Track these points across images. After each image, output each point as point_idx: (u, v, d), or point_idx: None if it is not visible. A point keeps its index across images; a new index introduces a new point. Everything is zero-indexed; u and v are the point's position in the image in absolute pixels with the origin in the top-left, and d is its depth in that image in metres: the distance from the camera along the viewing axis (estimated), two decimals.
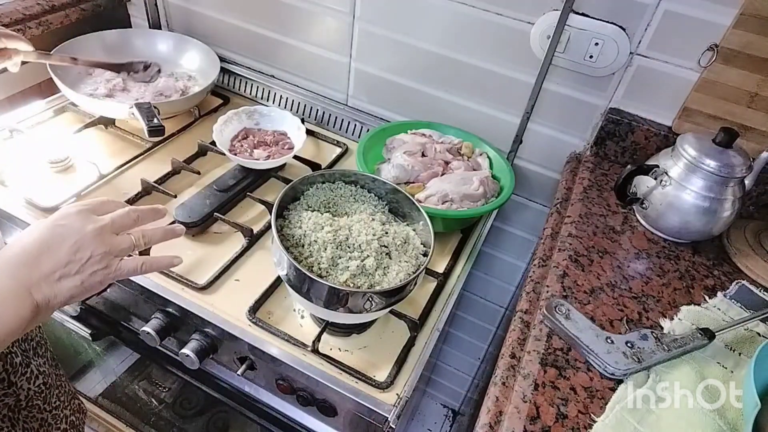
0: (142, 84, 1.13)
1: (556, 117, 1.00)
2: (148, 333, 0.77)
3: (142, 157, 1.02)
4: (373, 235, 0.68)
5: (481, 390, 1.17)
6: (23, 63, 0.90)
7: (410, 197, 0.76)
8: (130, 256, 0.55)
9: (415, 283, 0.68)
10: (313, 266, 0.65)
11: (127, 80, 1.12)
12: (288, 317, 0.78)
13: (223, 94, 1.25)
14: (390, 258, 0.69)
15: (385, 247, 0.69)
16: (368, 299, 0.63)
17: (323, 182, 0.76)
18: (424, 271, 0.67)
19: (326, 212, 0.73)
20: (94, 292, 0.51)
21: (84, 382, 1.30)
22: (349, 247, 0.67)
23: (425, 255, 0.71)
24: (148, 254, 0.72)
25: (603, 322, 0.66)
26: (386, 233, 0.70)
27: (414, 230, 0.74)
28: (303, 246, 0.67)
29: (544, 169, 1.08)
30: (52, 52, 1.01)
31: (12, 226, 0.87)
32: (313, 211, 0.72)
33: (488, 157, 1.02)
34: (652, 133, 0.92)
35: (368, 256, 0.66)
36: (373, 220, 0.72)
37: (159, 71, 1.15)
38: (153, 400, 1.28)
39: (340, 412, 0.74)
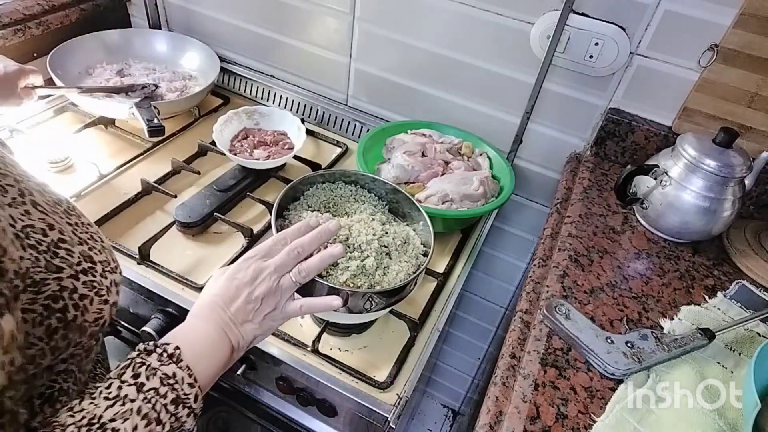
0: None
1: (556, 117, 1.00)
2: (148, 333, 0.77)
3: (142, 157, 1.02)
4: (373, 235, 0.68)
5: (481, 390, 1.17)
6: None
7: (410, 197, 0.76)
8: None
9: (415, 283, 0.68)
10: None
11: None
12: None
13: (223, 94, 1.25)
14: (390, 258, 0.69)
15: (385, 247, 0.69)
16: (368, 299, 0.63)
17: (323, 182, 0.76)
18: (424, 271, 0.67)
19: (326, 212, 0.73)
20: (271, 332, 0.59)
21: None
22: (349, 247, 0.67)
23: (425, 255, 0.71)
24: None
25: (603, 322, 0.66)
26: (386, 233, 0.70)
27: (414, 230, 0.74)
28: None
29: (544, 169, 1.08)
30: (50, 56, 1.02)
31: None
32: (313, 211, 0.72)
33: (488, 157, 1.02)
34: (652, 133, 0.92)
35: (368, 256, 0.66)
36: (373, 220, 0.72)
37: (156, 88, 1.13)
38: None
39: (340, 412, 0.74)
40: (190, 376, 0.48)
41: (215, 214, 0.89)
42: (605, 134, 0.95)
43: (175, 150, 1.05)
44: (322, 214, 0.71)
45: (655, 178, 0.79)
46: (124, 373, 0.46)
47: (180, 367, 0.48)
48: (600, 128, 0.95)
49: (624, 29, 0.86)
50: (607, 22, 0.87)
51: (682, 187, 0.77)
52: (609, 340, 0.61)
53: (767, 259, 0.78)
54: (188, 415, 0.48)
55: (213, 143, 1.01)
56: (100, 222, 0.85)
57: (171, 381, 0.47)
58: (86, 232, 0.48)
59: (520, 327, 0.67)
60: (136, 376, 0.46)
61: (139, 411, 0.44)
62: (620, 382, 0.59)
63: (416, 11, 0.99)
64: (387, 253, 0.69)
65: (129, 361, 0.48)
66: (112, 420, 0.43)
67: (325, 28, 1.10)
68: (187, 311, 0.75)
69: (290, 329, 0.75)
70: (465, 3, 0.94)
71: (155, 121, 0.95)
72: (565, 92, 0.96)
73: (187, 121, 1.12)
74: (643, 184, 0.82)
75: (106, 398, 0.44)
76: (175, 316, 0.78)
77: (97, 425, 0.42)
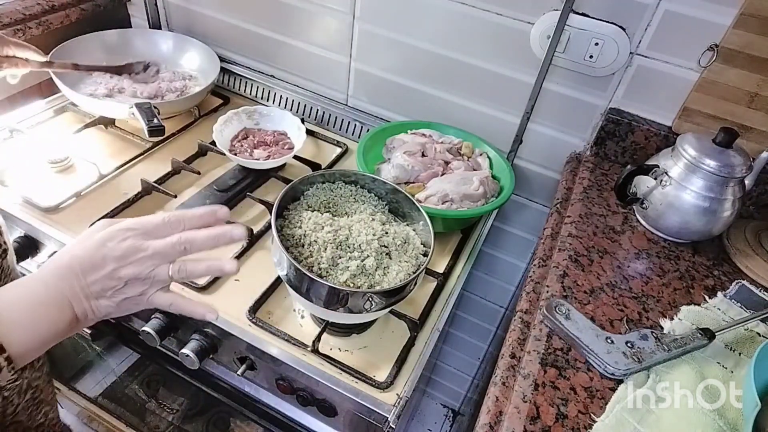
0: (142, 84, 1.13)
1: (556, 117, 1.00)
2: (148, 333, 0.77)
3: (142, 157, 1.02)
4: (373, 235, 0.68)
5: (481, 390, 1.17)
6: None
7: (410, 197, 0.75)
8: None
9: (415, 283, 0.68)
10: (313, 266, 0.65)
11: (127, 80, 1.12)
12: (288, 317, 0.78)
13: (223, 94, 1.25)
14: (390, 258, 0.69)
15: (385, 247, 0.69)
16: (368, 299, 0.63)
17: (323, 182, 0.76)
18: (424, 271, 0.67)
19: (326, 212, 0.73)
20: (127, 313, 0.52)
21: (84, 382, 1.30)
22: (349, 247, 0.67)
23: (425, 255, 0.71)
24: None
25: (603, 322, 0.66)
26: (386, 233, 0.70)
27: (414, 230, 0.74)
28: (303, 246, 0.67)
29: (544, 169, 1.08)
30: (50, 56, 1.01)
31: (12, 225, 0.87)
32: (313, 211, 0.72)
33: (488, 157, 1.02)
34: (652, 133, 0.92)
35: (368, 256, 0.66)
36: (373, 220, 0.72)
37: (158, 71, 1.15)
38: (153, 400, 1.28)
39: (340, 412, 0.74)
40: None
41: None
42: (605, 134, 0.95)
43: (175, 150, 1.05)
44: (322, 214, 0.71)
45: (655, 178, 0.79)
46: None
47: None
48: (600, 128, 0.95)
49: (624, 29, 0.86)
50: (607, 22, 0.87)
51: (682, 187, 0.77)
52: (609, 340, 0.61)
53: (767, 259, 0.78)
54: None
55: (213, 143, 1.01)
56: None
57: None
58: None
59: (520, 327, 0.67)
60: None
61: None
62: (620, 382, 0.59)
63: (416, 11, 0.99)
64: (387, 253, 0.69)
65: None
66: None
67: (325, 28, 1.10)
68: None
69: (290, 329, 0.75)
70: (465, 3, 0.94)
71: (155, 121, 0.95)
72: (565, 92, 0.96)
73: (187, 121, 1.12)
74: (643, 184, 0.82)
75: None
76: (175, 316, 0.78)
77: None
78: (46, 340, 0.47)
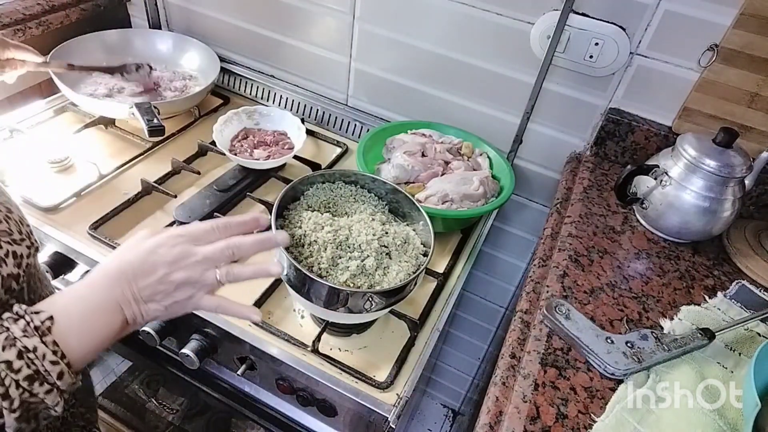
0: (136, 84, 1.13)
1: (556, 117, 1.00)
2: (147, 333, 0.77)
3: (142, 157, 1.02)
4: (373, 235, 0.68)
5: (481, 390, 1.17)
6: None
7: (410, 197, 0.75)
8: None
9: (415, 283, 0.68)
10: (313, 266, 0.65)
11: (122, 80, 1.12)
12: (288, 317, 0.78)
13: (223, 94, 1.25)
14: (390, 258, 0.69)
15: (385, 247, 0.69)
16: (368, 299, 0.63)
17: (323, 182, 0.76)
18: (424, 271, 0.67)
19: (326, 212, 0.73)
20: (175, 316, 0.54)
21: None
22: (349, 247, 0.67)
23: (425, 255, 0.71)
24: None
25: (603, 322, 0.66)
26: (386, 233, 0.70)
27: (414, 230, 0.74)
28: (303, 246, 0.67)
29: (544, 169, 1.08)
30: (49, 56, 1.02)
31: None
32: (313, 211, 0.72)
33: (488, 157, 1.02)
34: (652, 133, 0.92)
35: (368, 256, 0.66)
36: (373, 220, 0.72)
37: (151, 71, 1.15)
38: (153, 400, 1.28)
39: (340, 412, 0.74)
40: (55, 352, 0.44)
41: (215, 214, 0.89)
42: (605, 134, 0.95)
43: (175, 150, 1.05)
44: (322, 214, 0.71)
45: (655, 178, 0.79)
46: None
47: (44, 342, 0.44)
48: (600, 128, 0.95)
49: (624, 29, 0.86)
50: (607, 22, 0.87)
51: (682, 187, 0.77)
52: (609, 340, 0.61)
53: (767, 259, 0.78)
54: (48, 392, 0.44)
55: (213, 143, 1.01)
56: (100, 222, 0.85)
57: (30, 356, 0.43)
58: None
59: (520, 327, 0.67)
60: None
61: None
62: (620, 382, 0.59)
63: (416, 11, 0.99)
64: (387, 253, 0.69)
65: None
66: None
67: (325, 28, 1.10)
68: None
69: (290, 329, 0.75)
70: (465, 3, 0.94)
71: (155, 121, 0.95)
72: (565, 92, 0.96)
73: (187, 121, 1.12)
74: (643, 184, 0.82)
75: None
76: None
77: None
78: (100, 345, 0.49)
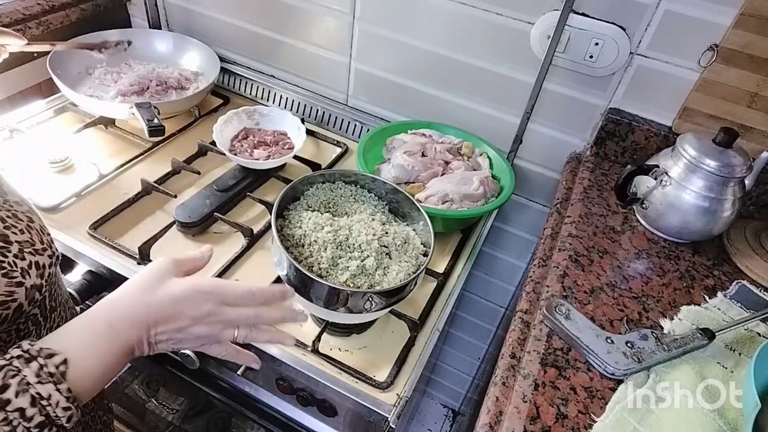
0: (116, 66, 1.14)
1: (556, 117, 1.00)
2: None
3: (142, 157, 1.02)
4: (373, 235, 0.68)
5: (481, 390, 1.17)
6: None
7: (410, 197, 0.75)
8: None
9: (415, 283, 0.68)
10: (313, 266, 0.65)
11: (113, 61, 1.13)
12: None
13: (223, 94, 1.25)
14: (390, 258, 0.69)
15: (385, 247, 0.69)
16: (368, 299, 0.63)
17: (323, 182, 0.76)
18: (424, 271, 0.67)
19: (326, 212, 0.73)
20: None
21: None
22: (349, 247, 0.67)
23: (425, 255, 0.71)
24: None
25: (603, 322, 0.66)
26: (386, 233, 0.70)
27: (414, 230, 0.74)
28: (303, 246, 0.67)
29: (544, 169, 1.08)
30: (49, 56, 1.02)
31: None
32: (313, 211, 0.72)
33: (488, 157, 1.02)
34: (652, 133, 0.92)
35: (368, 256, 0.66)
36: (373, 220, 0.72)
37: (128, 46, 1.16)
38: (153, 400, 1.28)
39: (340, 412, 0.74)
40: (68, 399, 0.42)
41: (215, 214, 0.89)
42: (605, 134, 0.95)
43: (175, 150, 1.05)
44: (322, 214, 0.71)
45: (655, 178, 0.79)
46: None
47: (59, 389, 0.42)
48: (600, 128, 0.95)
49: (624, 29, 0.86)
50: (607, 22, 0.87)
51: (682, 187, 0.77)
52: (609, 340, 0.61)
53: (767, 259, 0.78)
54: None
55: (213, 143, 1.01)
56: (100, 222, 0.85)
57: (44, 403, 0.41)
58: (8, 210, 0.46)
59: (520, 327, 0.67)
60: (4, 388, 0.39)
61: None
62: (620, 382, 0.59)
63: (416, 11, 0.99)
64: (387, 253, 0.69)
65: (2, 364, 0.41)
66: None
67: (325, 28, 1.10)
68: None
69: (290, 329, 0.75)
70: (465, 3, 0.94)
71: (155, 121, 0.95)
72: (565, 92, 0.96)
73: (187, 121, 1.12)
74: (643, 184, 0.82)
75: None
76: None
77: None
78: (107, 381, 0.49)
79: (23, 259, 0.45)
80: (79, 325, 0.47)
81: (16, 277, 0.44)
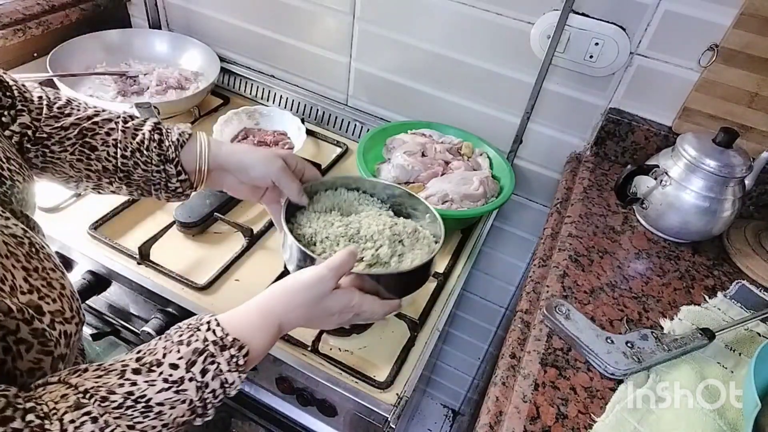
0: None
1: (556, 117, 1.00)
2: (148, 333, 0.77)
3: None
4: (384, 224, 0.67)
5: (481, 390, 1.17)
6: None
7: (411, 192, 0.75)
8: None
9: (429, 271, 0.66)
10: None
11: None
12: None
13: (223, 94, 1.25)
14: (403, 245, 0.68)
15: (397, 235, 0.68)
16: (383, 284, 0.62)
17: (325, 190, 0.75)
18: (438, 253, 0.66)
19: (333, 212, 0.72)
20: None
21: None
22: (362, 239, 0.66)
23: (437, 242, 0.70)
24: None
25: (603, 322, 0.66)
26: (396, 224, 0.69)
27: (421, 226, 0.74)
28: (315, 244, 0.66)
29: (544, 169, 1.08)
30: (49, 56, 1.03)
31: None
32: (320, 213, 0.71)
33: (488, 157, 1.02)
34: (652, 133, 0.92)
35: (382, 245, 0.65)
36: (380, 215, 0.72)
37: (136, 79, 1.16)
38: None
39: (340, 412, 0.74)
40: (241, 382, 0.51)
41: (215, 214, 0.89)
42: (605, 134, 0.95)
43: None
44: (330, 213, 0.70)
45: (655, 178, 0.79)
46: (194, 362, 0.47)
47: (240, 377, 0.50)
48: (600, 128, 0.95)
49: (624, 29, 0.86)
50: (607, 22, 0.87)
51: (682, 187, 0.77)
52: (609, 340, 0.61)
53: (767, 259, 0.78)
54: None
55: None
56: (100, 222, 0.85)
57: (227, 387, 0.49)
58: (44, 279, 0.46)
59: (520, 327, 0.67)
60: (203, 372, 0.47)
61: (190, 403, 0.46)
62: (620, 382, 0.59)
63: (416, 11, 0.99)
64: (400, 241, 0.68)
65: (201, 348, 0.48)
66: (160, 404, 0.44)
67: (325, 28, 1.10)
68: (188, 311, 0.76)
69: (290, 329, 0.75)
70: (465, 3, 0.94)
71: None
72: (565, 92, 0.96)
73: (187, 121, 1.12)
74: (643, 184, 0.82)
75: (165, 380, 0.45)
76: (175, 316, 0.78)
77: (143, 404, 0.43)
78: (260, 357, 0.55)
79: (54, 329, 0.45)
80: (260, 322, 0.54)
81: (50, 346, 0.45)
